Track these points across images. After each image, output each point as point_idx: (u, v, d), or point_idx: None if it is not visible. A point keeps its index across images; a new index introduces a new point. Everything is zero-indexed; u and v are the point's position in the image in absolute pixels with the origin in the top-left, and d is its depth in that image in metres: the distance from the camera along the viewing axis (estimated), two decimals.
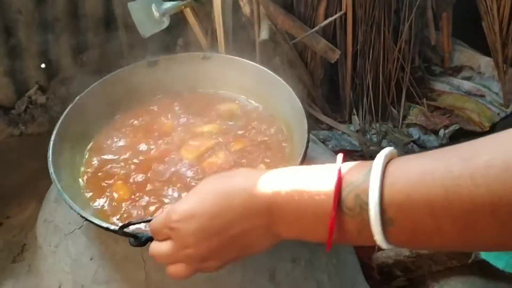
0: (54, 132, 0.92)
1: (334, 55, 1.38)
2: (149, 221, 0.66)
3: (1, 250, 1.12)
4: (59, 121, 0.95)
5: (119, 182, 0.92)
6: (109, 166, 0.96)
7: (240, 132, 1.01)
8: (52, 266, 0.94)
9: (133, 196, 0.89)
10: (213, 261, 0.60)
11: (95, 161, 0.97)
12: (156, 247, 0.63)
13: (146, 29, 1.22)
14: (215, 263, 0.60)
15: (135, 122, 1.06)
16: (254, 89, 1.07)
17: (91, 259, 0.89)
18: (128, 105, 1.08)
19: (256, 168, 0.92)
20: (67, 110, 0.98)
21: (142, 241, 0.68)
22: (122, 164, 0.96)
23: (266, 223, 0.55)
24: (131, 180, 0.93)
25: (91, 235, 0.89)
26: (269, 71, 1.03)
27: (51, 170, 0.85)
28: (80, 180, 0.93)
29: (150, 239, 0.67)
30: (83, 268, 0.89)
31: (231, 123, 1.04)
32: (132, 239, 0.69)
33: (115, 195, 0.89)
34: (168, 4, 1.24)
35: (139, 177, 0.93)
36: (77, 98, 1.00)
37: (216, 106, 1.08)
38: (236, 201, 0.56)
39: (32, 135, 1.41)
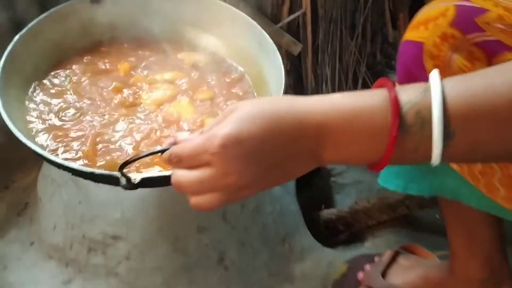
0: None
1: (297, 48, 1.59)
2: (162, 151, 0.57)
3: (7, 207, 1.29)
4: (3, 57, 0.89)
5: (77, 126, 0.90)
6: (60, 109, 0.93)
7: (206, 81, 0.97)
8: (49, 212, 1.11)
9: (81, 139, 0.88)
10: (249, 190, 0.54)
11: (43, 110, 0.92)
12: (186, 175, 0.54)
13: None
14: (249, 192, 0.54)
15: (84, 63, 0.99)
16: (215, 28, 1.02)
17: (79, 203, 1.06)
18: (74, 50, 1.01)
19: None
20: (7, 51, 0.90)
21: (136, 183, 0.66)
22: (77, 106, 0.93)
23: (313, 147, 0.52)
24: (84, 124, 0.90)
25: (79, 183, 1.06)
26: (228, 4, 0.98)
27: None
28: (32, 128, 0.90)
29: (142, 182, 0.66)
30: (73, 211, 1.06)
31: (195, 72, 0.99)
32: (125, 181, 0.66)
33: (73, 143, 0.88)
34: None
35: (95, 122, 0.91)
36: (16, 38, 0.92)
37: (179, 54, 1.02)
38: (285, 124, 0.52)
39: None
